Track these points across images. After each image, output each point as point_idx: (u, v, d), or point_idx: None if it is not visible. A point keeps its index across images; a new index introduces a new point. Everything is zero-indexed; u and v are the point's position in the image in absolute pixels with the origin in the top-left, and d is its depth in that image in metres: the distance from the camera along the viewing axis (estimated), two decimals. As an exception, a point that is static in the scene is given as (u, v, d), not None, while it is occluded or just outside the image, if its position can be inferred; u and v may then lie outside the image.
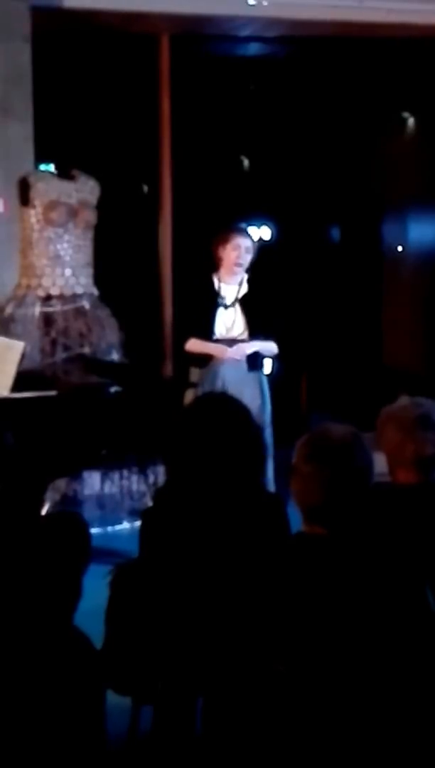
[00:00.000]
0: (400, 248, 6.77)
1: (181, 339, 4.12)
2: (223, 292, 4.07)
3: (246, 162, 6.95)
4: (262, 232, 6.19)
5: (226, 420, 2.18)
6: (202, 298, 4.08)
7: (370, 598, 1.72)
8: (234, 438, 2.15)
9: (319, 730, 1.64)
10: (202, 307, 4.05)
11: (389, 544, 2.00)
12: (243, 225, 4.27)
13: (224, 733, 1.76)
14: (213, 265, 4.11)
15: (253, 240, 4.12)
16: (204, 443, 2.14)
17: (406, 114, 6.63)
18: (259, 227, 6.18)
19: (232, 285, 4.08)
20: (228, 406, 2.25)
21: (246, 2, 4.91)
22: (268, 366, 4.27)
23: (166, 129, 5.24)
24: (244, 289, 4.09)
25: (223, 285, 4.08)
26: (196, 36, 5.35)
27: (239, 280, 4.09)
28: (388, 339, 6.85)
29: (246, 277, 4.10)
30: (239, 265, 4.04)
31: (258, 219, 6.20)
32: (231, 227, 4.16)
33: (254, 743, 1.68)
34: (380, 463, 2.18)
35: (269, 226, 6.26)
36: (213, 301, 4.06)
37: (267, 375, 4.23)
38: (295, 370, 5.96)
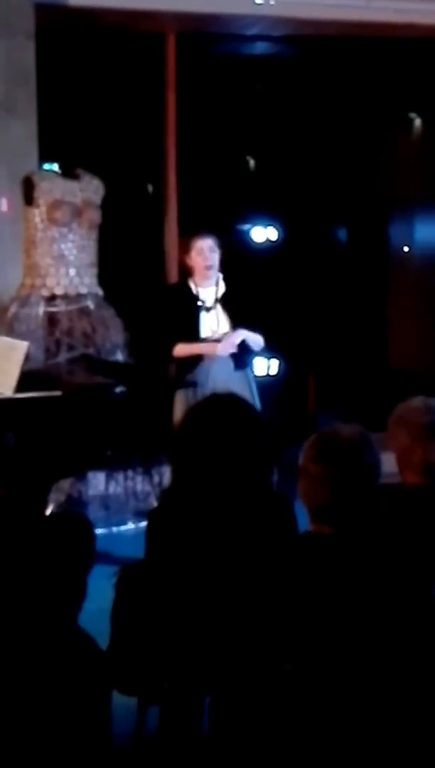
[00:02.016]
0: (406, 249, 6.76)
1: (166, 347, 4.02)
2: (201, 296, 4.03)
3: (252, 162, 6.95)
4: (268, 233, 6.18)
5: (233, 419, 2.16)
6: (181, 305, 4.03)
7: (378, 598, 1.71)
8: (241, 437, 2.13)
9: (326, 730, 1.63)
10: (183, 313, 4.01)
11: (396, 544, 1.99)
12: (203, 228, 4.12)
13: (231, 733, 1.74)
14: (188, 271, 4.06)
15: (214, 238, 4.02)
16: (210, 443, 2.12)
17: (412, 114, 6.63)
18: (265, 227, 6.16)
19: (208, 288, 4.03)
20: (235, 405, 2.23)
21: (253, 1, 4.91)
22: (274, 366, 4.23)
23: (171, 128, 5.24)
24: (222, 288, 4.05)
25: (200, 289, 4.03)
26: (203, 35, 5.35)
27: (215, 281, 4.03)
28: (393, 339, 6.84)
29: (221, 276, 4.05)
30: (208, 267, 3.98)
31: (264, 219, 6.18)
32: (190, 233, 4.09)
33: (261, 743, 1.67)
34: (389, 462, 2.17)
35: (275, 227, 6.24)
36: (193, 305, 4.01)
37: (273, 375, 4.19)
38: (302, 371, 5.94)
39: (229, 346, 3.95)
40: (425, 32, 5.29)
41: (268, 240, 6.15)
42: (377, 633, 1.68)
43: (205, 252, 3.97)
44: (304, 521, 1.89)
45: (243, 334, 3.98)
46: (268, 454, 2.18)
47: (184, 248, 4.07)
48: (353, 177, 6.61)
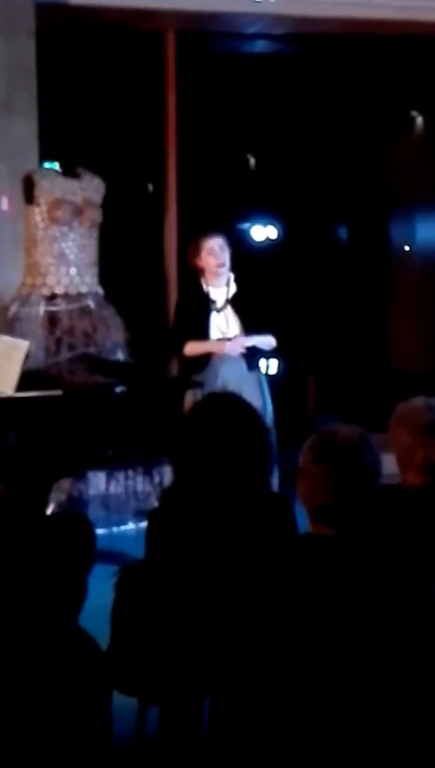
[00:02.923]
0: (407, 248, 6.74)
1: (175, 345, 4.03)
2: (212, 296, 4.03)
3: (252, 160, 6.93)
4: (269, 231, 6.17)
5: (233, 420, 2.16)
6: (192, 304, 4.03)
7: (378, 599, 1.71)
8: (241, 438, 2.13)
9: (327, 732, 1.62)
10: (194, 313, 4.00)
11: (397, 545, 1.98)
12: (207, 228, 4.10)
13: (231, 735, 1.74)
14: (199, 272, 4.05)
15: (223, 237, 4.02)
16: (211, 443, 2.12)
17: (414, 113, 6.60)
18: (265, 226, 6.16)
19: (220, 288, 4.03)
20: (235, 405, 2.23)
21: (252, -1, 4.89)
22: (273, 366, 4.22)
23: (171, 127, 5.22)
24: (233, 289, 4.04)
25: (211, 289, 4.03)
26: (203, 33, 5.33)
27: (226, 280, 4.03)
28: (394, 340, 6.82)
29: (232, 276, 4.04)
30: (221, 265, 3.98)
31: (264, 218, 6.18)
32: (197, 235, 4.08)
33: (262, 745, 1.66)
34: (390, 463, 2.16)
35: (275, 225, 6.24)
36: (204, 305, 4.01)
37: (272, 375, 4.19)
38: (302, 372, 5.94)
39: (237, 347, 3.95)
40: (426, 29, 5.27)
41: (267, 239, 6.15)
42: (378, 635, 1.67)
43: (217, 251, 3.97)
44: (304, 522, 1.89)
45: (254, 340, 3.98)
46: (269, 455, 2.18)
47: (194, 250, 4.05)
48: (354, 175, 6.59)
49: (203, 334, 3.99)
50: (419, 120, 6.62)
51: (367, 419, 2.27)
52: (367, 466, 1.82)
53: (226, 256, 3.99)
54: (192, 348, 4.00)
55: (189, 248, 4.10)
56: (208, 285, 4.04)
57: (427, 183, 6.22)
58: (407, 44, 5.53)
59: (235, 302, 4.04)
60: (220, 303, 4.03)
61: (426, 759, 1.66)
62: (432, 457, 2.19)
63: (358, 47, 5.63)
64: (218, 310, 4.03)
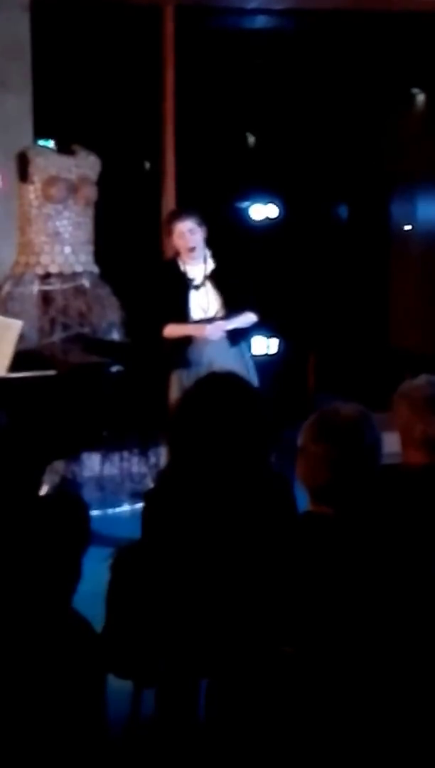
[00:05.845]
0: (408, 227, 6.71)
1: (155, 327, 3.95)
2: (190, 275, 3.94)
3: (251, 138, 6.88)
4: (268, 210, 6.12)
5: (231, 398, 2.13)
6: (170, 284, 3.95)
7: (378, 578, 1.70)
8: (239, 417, 2.10)
9: (326, 713, 1.61)
10: (172, 293, 3.92)
11: (397, 524, 1.97)
12: (181, 208, 4.06)
13: (229, 718, 1.71)
14: (174, 250, 3.99)
15: (195, 217, 3.91)
16: (209, 422, 2.09)
17: (415, 90, 6.55)
18: (264, 205, 6.10)
19: (197, 266, 3.95)
20: (233, 384, 2.19)
21: (253, -27, 4.81)
22: (273, 345, 4.17)
23: (169, 104, 5.16)
24: (211, 265, 3.96)
25: (188, 267, 3.95)
26: (202, 8, 5.27)
27: (202, 258, 3.95)
28: (395, 319, 6.81)
29: (209, 253, 3.96)
30: (191, 249, 3.90)
31: (264, 196, 6.13)
32: (169, 214, 4.00)
33: (260, 728, 1.64)
34: (393, 442, 2.14)
35: (276, 204, 6.19)
36: (182, 284, 3.93)
37: (272, 355, 4.14)
38: (303, 351, 5.91)
39: (217, 330, 3.88)
40: (428, 6, 5.20)
41: (267, 218, 6.10)
42: (378, 614, 1.66)
43: (186, 235, 3.88)
44: (303, 501, 1.86)
45: (234, 323, 3.91)
46: (268, 433, 2.14)
47: (166, 231, 3.99)
48: (355, 154, 6.56)
49: (183, 314, 3.91)
50: (420, 97, 6.58)
51: (368, 398, 2.25)
52: (367, 445, 1.81)
53: (196, 239, 3.89)
54: (172, 330, 3.92)
55: (162, 229, 4.03)
56: (184, 264, 3.97)
57: (428, 161, 6.18)
58: (409, 21, 5.48)
59: (214, 278, 3.96)
60: (197, 280, 3.95)
61: (426, 739, 1.63)
62: (430, 431, 2.18)
63: (360, 23, 5.58)
64: (197, 288, 3.95)
